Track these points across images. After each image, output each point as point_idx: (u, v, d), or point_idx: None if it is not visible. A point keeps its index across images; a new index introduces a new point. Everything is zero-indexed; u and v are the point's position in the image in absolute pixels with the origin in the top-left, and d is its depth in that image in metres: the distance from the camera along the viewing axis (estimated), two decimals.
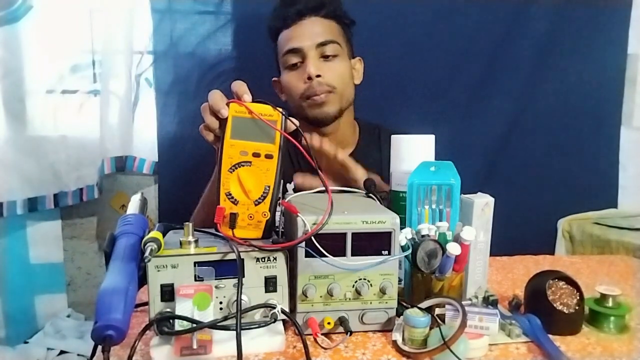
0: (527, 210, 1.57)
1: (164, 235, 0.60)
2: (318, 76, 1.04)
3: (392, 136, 0.81)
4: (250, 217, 0.65)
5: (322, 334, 0.63)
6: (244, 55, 1.46)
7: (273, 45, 1.14)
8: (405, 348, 0.59)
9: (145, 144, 1.51)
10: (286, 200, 0.65)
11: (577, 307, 0.65)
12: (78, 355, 1.42)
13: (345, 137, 1.14)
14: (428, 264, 0.65)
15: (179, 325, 0.55)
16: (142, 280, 0.57)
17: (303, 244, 0.60)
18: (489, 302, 0.67)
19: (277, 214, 0.68)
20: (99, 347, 0.49)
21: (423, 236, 0.67)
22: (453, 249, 0.63)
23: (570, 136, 1.60)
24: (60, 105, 1.45)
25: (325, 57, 1.06)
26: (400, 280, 0.70)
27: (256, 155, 0.65)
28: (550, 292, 0.66)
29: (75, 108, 1.47)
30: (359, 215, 0.62)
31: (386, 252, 0.63)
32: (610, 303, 0.67)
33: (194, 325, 0.55)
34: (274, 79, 1.16)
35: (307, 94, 1.06)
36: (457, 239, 0.65)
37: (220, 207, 0.64)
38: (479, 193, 0.74)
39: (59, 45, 1.43)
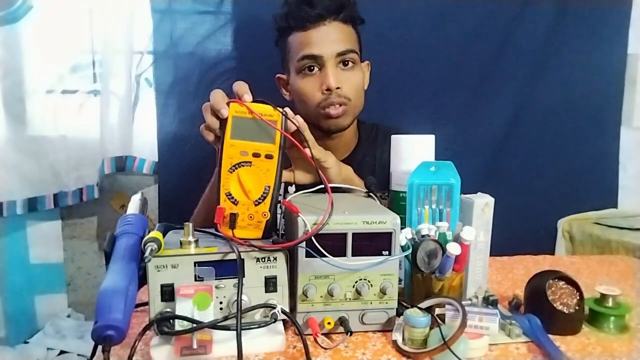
0: (527, 210, 1.57)
1: (164, 235, 0.60)
2: (338, 88, 1.02)
3: (392, 136, 0.81)
4: (250, 217, 0.65)
5: (322, 334, 0.63)
6: (244, 55, 1.46)
7: (278, 39, 1.10)
8: (405, 348, 0.59)
9: (145, 144, 1.51)
10: (287, 200, 0.65)
11: (577, 307, 0.65)
12: (78, 355, 1.42)
13: (348, 139, 1.14)
14: (428, 264, 0.65)
15: (179, 325, 0.55)
16: (142, 280, 0.57)
17: (303, 244, 0.60)
18: (489, 302, 0.67)
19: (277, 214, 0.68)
20: (99, 347, 0.49)
21: (423, 236, 0.67)
22: (453, 249, 0.63)
23: (570, 136, 1.60)
24: (60, 105, 1.46)
25: (343, 66, 1.04)
26: (400, 280, 0.70)
27: (256, 155, 0.65)
28: (550, 292, 0.66)
29: (75, 108, 1.48)
30: (359, 215, 0.62)
31: (386, 253, 0.63)
32: (610, 303, 0.67)
33: (194, 325, 0.55)
34: (277, 75, 1.15)
35: (323, 104, 1.03)
36: (457, 239, 0.65)
37: (220, 207, 0.64)
38: (479, 193, 0.74)
39: (59, 45, 1.43)
